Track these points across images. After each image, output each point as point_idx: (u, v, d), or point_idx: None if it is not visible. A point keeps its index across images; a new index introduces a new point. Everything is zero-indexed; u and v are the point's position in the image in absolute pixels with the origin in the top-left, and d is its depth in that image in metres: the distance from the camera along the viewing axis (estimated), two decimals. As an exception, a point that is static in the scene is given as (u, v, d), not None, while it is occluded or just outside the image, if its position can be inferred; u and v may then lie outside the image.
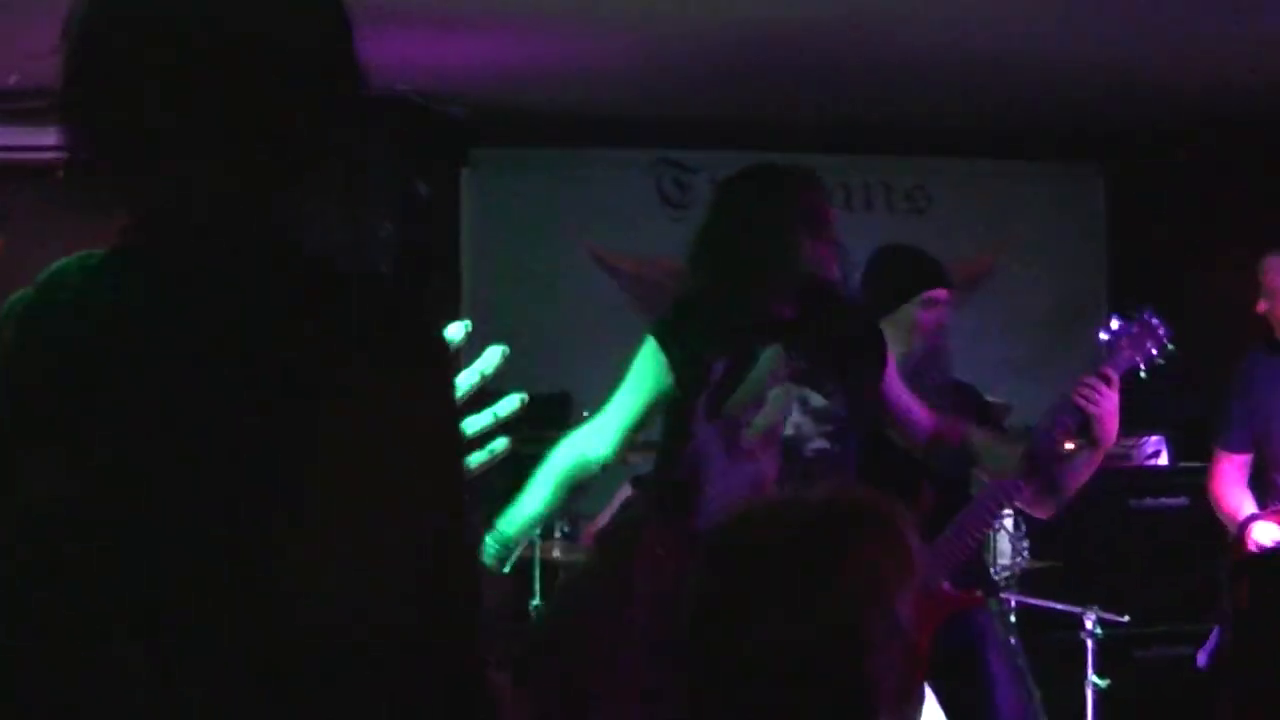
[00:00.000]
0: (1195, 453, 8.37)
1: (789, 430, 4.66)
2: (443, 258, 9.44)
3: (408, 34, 7.28)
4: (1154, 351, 5.18)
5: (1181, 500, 7.94)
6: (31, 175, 8.36)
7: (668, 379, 4.93)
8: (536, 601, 6.91)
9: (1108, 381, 5.07)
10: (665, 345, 4.94)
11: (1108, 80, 8.29)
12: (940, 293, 5.73)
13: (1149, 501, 7.92)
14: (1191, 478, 8.06)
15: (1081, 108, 9.07)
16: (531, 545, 6.79)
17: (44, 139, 7.79)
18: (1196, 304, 8.71)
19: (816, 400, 4.72)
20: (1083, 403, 5.04)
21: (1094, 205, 10.16)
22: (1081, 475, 5.31)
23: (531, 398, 8.46)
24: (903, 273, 5.86)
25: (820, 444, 4.72)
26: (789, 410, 4.75)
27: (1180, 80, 8.25)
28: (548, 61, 7.93)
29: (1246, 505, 6.44)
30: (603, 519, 7.66)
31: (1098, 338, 5.27)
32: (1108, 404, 5.05)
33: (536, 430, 7.61)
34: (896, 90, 8.63)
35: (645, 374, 4.99)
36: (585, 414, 7.97)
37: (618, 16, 7.07)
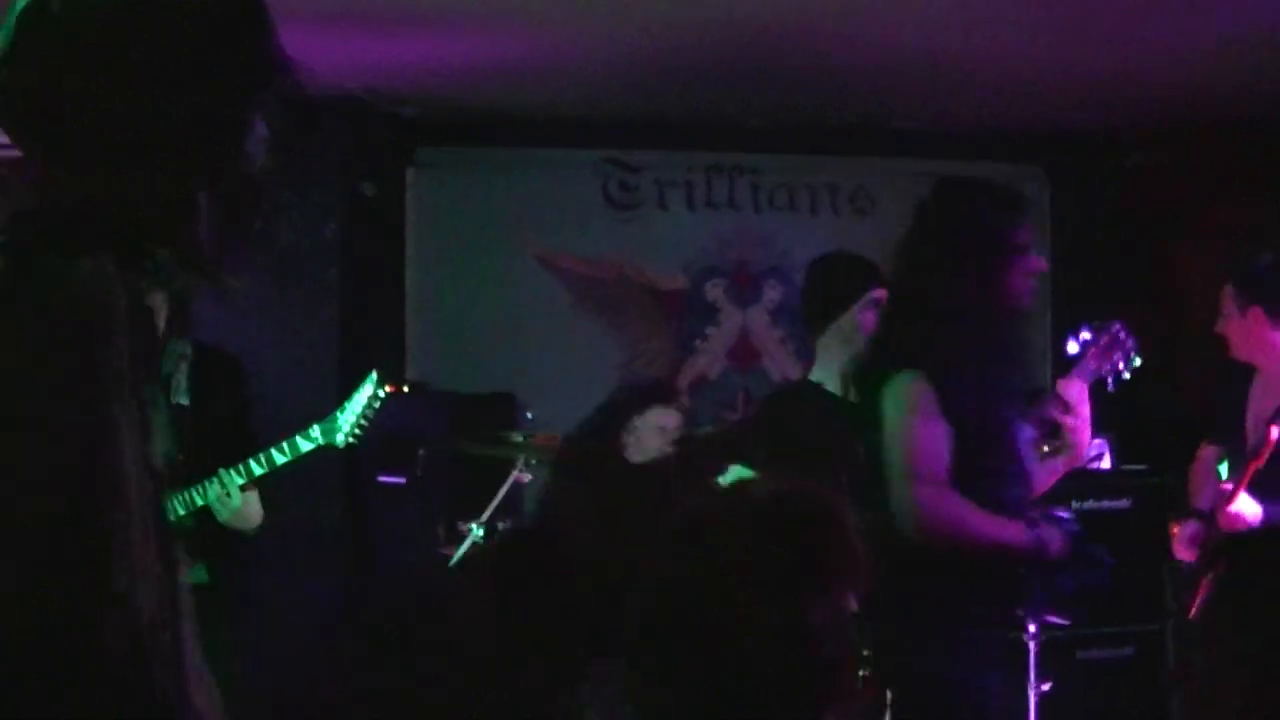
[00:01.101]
0: (1138, 455, 8.41)
1: None
2: (388, 257, 9.42)
3: (355, 33, 7.25)
4: (1121, 364, 5.24)
5: (1123, 503, 7.98)
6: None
7: None
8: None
9: (1077, 391, 5.13)
10: None
11: (1051, 83, 8.32)
12: (880, 292, 5.76)
13: (1091, 504, 7.94)
14: (1134, 480, 8.11)
15: (1025, 110, 9.11)
16: (476, 545, 6.77)
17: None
18: (1138, 307, 8.75)
19: None
20: (1057, 414, 5.10)
21: (1037, 207, 10.18)
22: (1049, 480, 5.38)
23: (476, 397, 8.54)
24: (842, 278, 5.89)
25: None
26: None
27: (1123, 83, 8.29)
28: (494, 62, 7.91)
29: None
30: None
31: (1065, 347, 5.34)
32: (1080, 412, 5.11)
33: (483, 430, 7.64)
34: (840, 92, 8.65)
35: None
36: (529, 415, 8.03)
37: (563, 17, 7.06)
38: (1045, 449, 5.24)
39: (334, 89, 8.38)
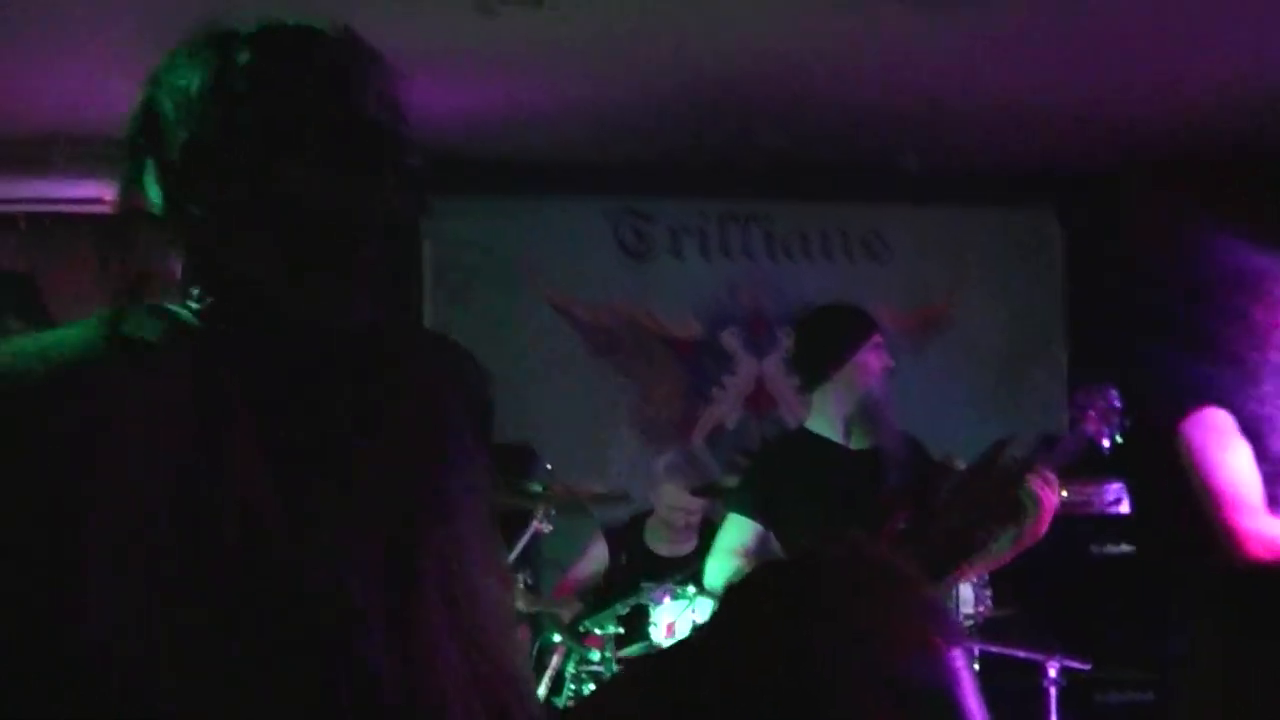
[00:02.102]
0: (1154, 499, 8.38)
1: None
2: (403, 307, 9.41)
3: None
4: (1116, 429, 5.28)
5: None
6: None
7: None
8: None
9: (1048, 482, 5.14)
10: None
11: (1061, 124, 8.34)
12: (878, 337, 5.79)
13: (1110, 548, 7.93)
14: (1153, 524, 8.08)
15: (1036, 152, 9.12)
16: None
17: (3, 191, 7.80)
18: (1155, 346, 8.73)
19: None
20: (1024, 496, 5.12)
21: (1050, 249, 10.19)
22: (1007, 554, 5.39)
23: (493, 447, 8.45)
24: (842, 329, 5.90)
25: None
26: None
27: (1134, 123, 8.30)
28: (505, 110, 7.94)
29: None
30: (578, 570, 7.65)
31: (1068, 398, 5.39)
32: (1047, 502, 5.12)
33: (501, 480, 7.63)
34: (851, 137, 8.67)
35: None
36: (548, 466, 8.02)
37: (574, 66, 7.09)
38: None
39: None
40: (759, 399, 9.82)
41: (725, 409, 9.82)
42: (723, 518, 6.00)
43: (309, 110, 1.96)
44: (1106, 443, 5.33)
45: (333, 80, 1.96)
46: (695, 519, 7.47)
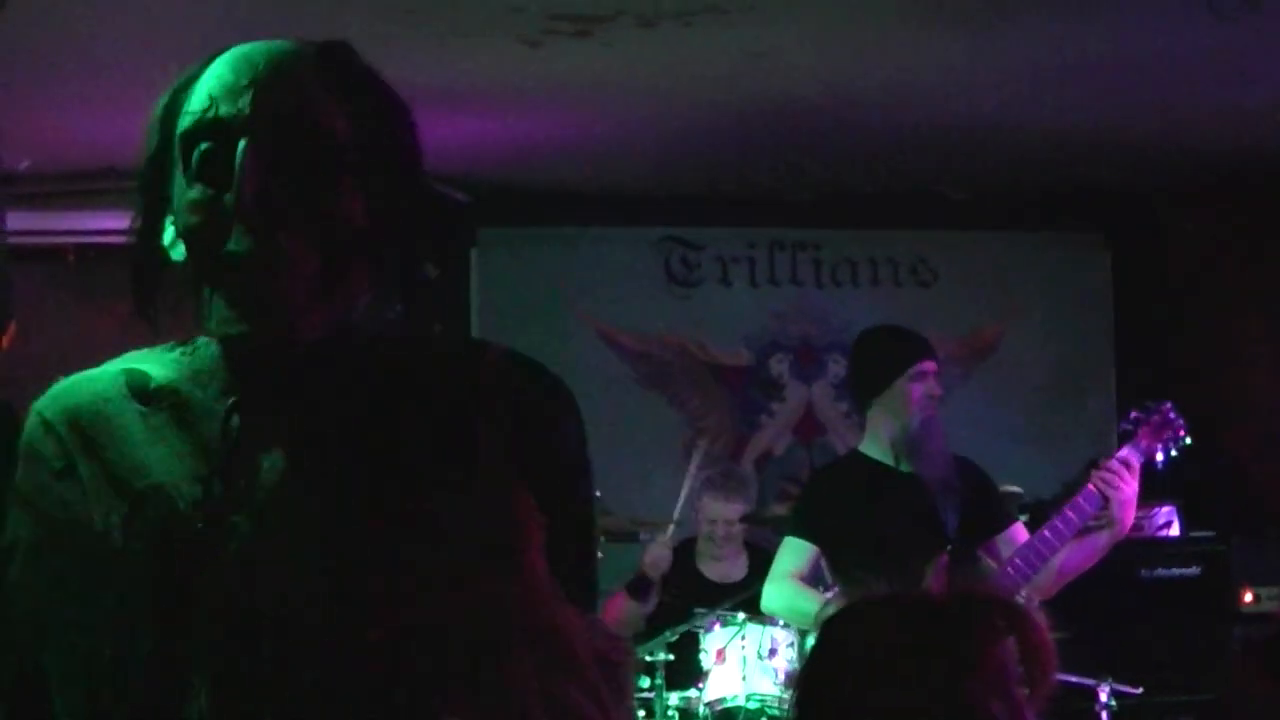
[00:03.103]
0: (1206, 522, 8.36)
1: None
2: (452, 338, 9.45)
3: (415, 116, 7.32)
4: (1172, 444, 5.28)
5: (1193, 570, 7.94)
6: (39, 259, 8.45)
7: None
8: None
9: (1128, 467, 5.15)
10: None
11: (1107, 148, 8.34)
12: (928, 364, 5.80)
13: (1160, 572, 7.91)
14: (1203, 547, 8.06)
15: (1084, 177, 9.13)
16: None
17: (53, 223, 7.88)
18: (1203, 370, 8.74)
19: None
20: (1102, 486, 5.13)
21: (1099, 274, 10.16)
22: (1091, 558, 5.41)
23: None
24: (889, 351, 5.93)
25: None
26: None
27: (1181, 148, 8.30)
28: (553, 141, 7.98)
29: None
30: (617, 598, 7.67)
31: (1117, 424, 5.41)
32: (1127, 489, 5.13)
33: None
34: (897, 164, 8.69)
35: None
36: (598, 493, 8.04)
37: (621, 96, 7.13)
38: (1090, 523, 5.28)
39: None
40: (807, 426, 9.82)
41: (773, 435, 9.83)
42: (778, 544, 6.02)
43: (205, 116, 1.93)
44: (1161, 457, 5.35)
45: (258, 84, 1.91)
46: (736, 530, 7.47)
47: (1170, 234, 9.98)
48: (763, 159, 8.51)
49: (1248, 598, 7.87)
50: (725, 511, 7.48)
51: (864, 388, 5.93)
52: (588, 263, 9.70)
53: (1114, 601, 7.72)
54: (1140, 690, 6.58)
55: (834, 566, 5.78)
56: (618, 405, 9.65)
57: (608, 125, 7.67)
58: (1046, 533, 5.40)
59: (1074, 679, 6.72)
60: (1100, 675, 6.58)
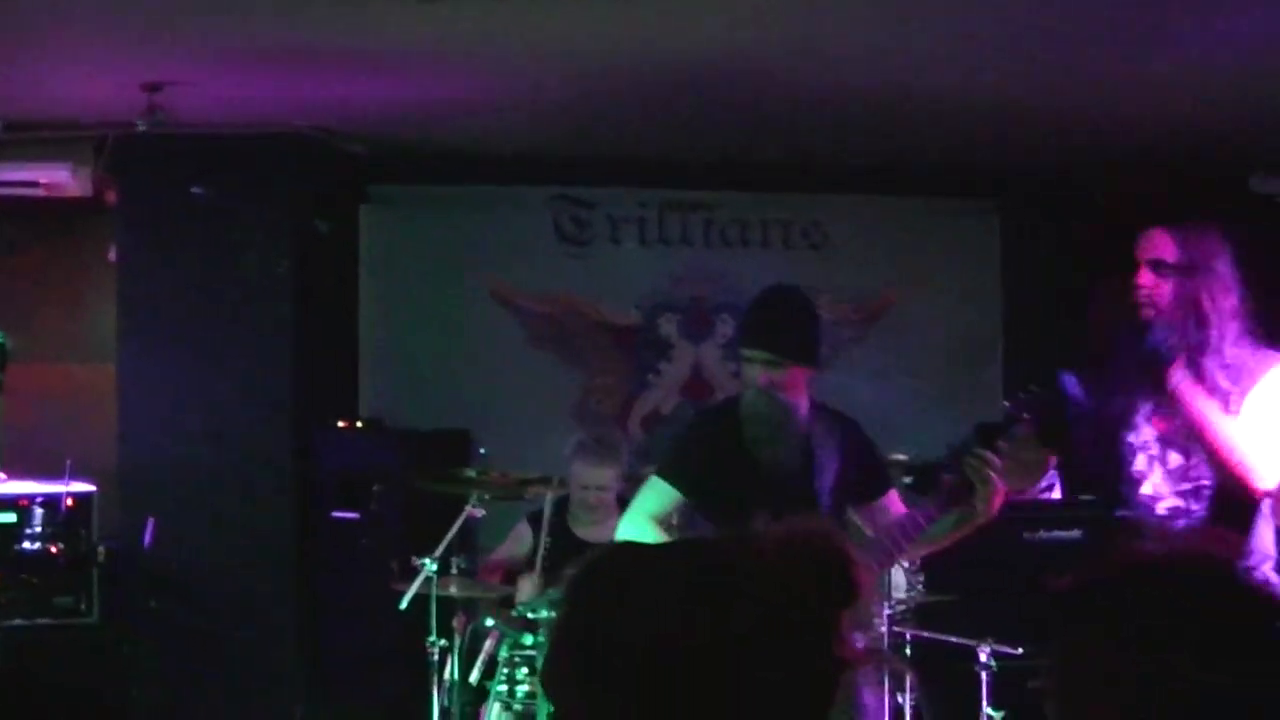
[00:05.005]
0: (1087, 486, 8.43)
1: (1147, 489, 4.69)
2: (342, 295, 9.43)
3: (309, 72, 7.28)
4: (1054, 437, 5.32)
5: (1075, 534, 8.00)
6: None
7: None
8: (433, 638, 6.88)
9: (1001, 456, 5.17)
10: None
11: (1001, 118, 8.38)
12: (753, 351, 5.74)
13: (1043, 534, 7.97)
14: (1085, 511, 8.13)
15: (976, 146, 9.17)
16: (429, 581, 6.77)
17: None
18: (1089, 338, 8.80)
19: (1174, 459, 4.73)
20: (972, 474, 5.15)
21: (989, 241, 10.24)
22: (956, 538, 5.43)
23: (430, 434, 8.53)
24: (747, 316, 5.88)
25: (1175, 502, 4.71)
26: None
27: (1072, 119, 8.36)
28: (447, 99, 7.94)
29: None
30: (498, 554, 7.67)
31: (1004, 388, 5.42)
32: (999, 480, 5.16)
33: (437, 466, 7.66)
34: (793, 128, 8.70)
35: None
36: (483, 451, 8.04)
37: (515, 56, 7.10)
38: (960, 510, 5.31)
39: (287, 128, 8.41)
40: (695, 386, 9.85)
41: (661, 395, 9.86)
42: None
43: None
44: (1048, 447, 5.37)
45: None
46: (607, 496, 7.45)
47: (1061, 202, 10.06)
48: (655, 121, 8.50)
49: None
50: (596, 477, 7.46)
51: (811, 349, 5.75)
52: (479, 221, 9.69)
53: (996, 564, 7.77)
54: (1020, 651, 6.63)
55: (703, 515, 5.68)
56: (508, 364, 9.65)
57: (500, 84, 7.65)
58: (919, 515, 5.37)
59: (955, 639, 6.79)
60: (981, 636, 6.63)
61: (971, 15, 6.56)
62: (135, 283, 8.57)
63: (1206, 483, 5.22)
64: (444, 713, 6.95)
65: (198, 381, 8.54)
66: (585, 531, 7.46)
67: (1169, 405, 5.23)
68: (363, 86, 7.63)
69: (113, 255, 8.64)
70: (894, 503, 5.67)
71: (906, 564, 7.10)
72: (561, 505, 7.51)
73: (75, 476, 7.88)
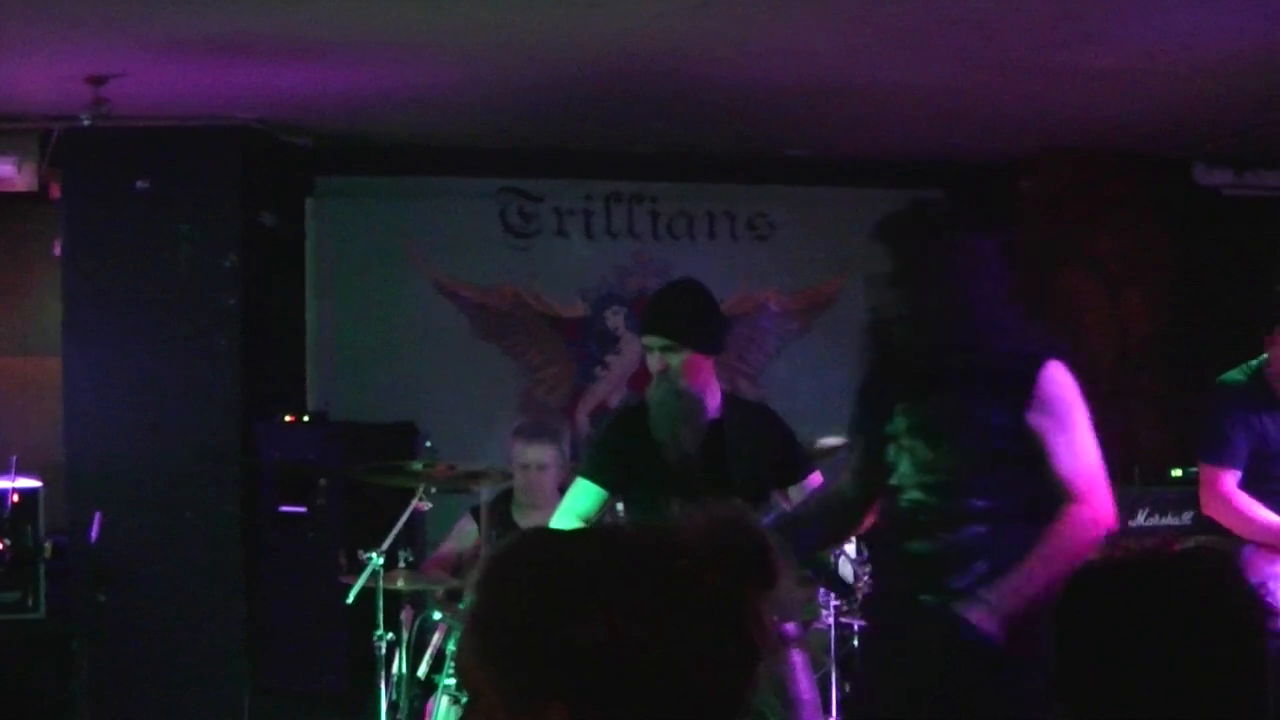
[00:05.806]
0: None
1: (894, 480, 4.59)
2: (287, 287, 9.40)
3: (253, 64, 7.27)
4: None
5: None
6: None
7: None
8: (380, 631, 6.86)
9: None
10: None
11: (943, 111, 8.41)
12: (650, 338, 5.83)
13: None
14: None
15: (922, 136, 9.20)
16: (375, 575, 6.76)
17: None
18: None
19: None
20: None
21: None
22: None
23: (376, 427, 8.51)
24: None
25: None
26: None
27: (1017, 109, 8.39)
28: (392, 91, 7.94)
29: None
30: (444, 549, 7.66)
31: None
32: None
33: (383, 459, 7.65)
34: (736, 120, 8.71)
35: None
36: (428, 444, 8.03)
37: (460, 47, 7.10)
38: None
39: (232, 121, 8.39)
40: (642, 377, 9.84)
41: (608, 388, 9.87)
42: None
43: None
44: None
45: None
46: (546, 477, 7.40)
47: (1007, 192, 10.09)
48: (600, 113, 8.51)
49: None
50: (534, 455, 7.40)
51: (720, 339, 5.85)
52: (425, 213, 9.68)
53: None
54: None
55: (627, 509, 5.79)
56: (454, 356, 9.64)
57: (445, 76, 7.64)
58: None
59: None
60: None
61: (909, 7, 6.58)
62: (80, 276, 8.53)
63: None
64: (391, 706, 6.93)
65: (144, 375, 8.51)
66: (526, 517, 7.43)
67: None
68: (307, 78, 7.61)
69: (58, 249, 8.61)
70: (816, 484, 5.73)
71: (854, 554, 7.13)
72: (505, 497, 7.51)
73: (20, 472, 7.85)
